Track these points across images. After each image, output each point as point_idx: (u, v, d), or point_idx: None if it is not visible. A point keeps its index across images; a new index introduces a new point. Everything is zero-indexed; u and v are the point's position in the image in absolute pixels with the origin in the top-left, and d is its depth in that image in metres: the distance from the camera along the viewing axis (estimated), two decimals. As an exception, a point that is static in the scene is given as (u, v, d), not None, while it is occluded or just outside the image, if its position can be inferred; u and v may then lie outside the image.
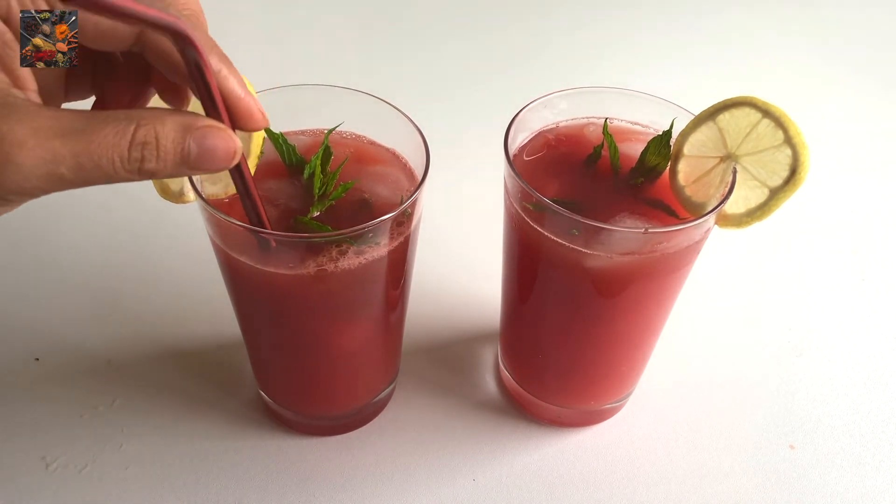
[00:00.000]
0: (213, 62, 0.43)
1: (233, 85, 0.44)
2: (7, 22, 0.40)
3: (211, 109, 0.43)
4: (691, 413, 0.74)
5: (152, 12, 0.37)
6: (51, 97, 0.44)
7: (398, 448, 0.70)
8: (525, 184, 0.56)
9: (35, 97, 0.41)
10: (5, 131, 0.36)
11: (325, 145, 0.59)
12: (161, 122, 0.40)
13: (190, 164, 0.41)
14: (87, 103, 0.48)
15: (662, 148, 0.60)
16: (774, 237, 0.94)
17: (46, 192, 0.38)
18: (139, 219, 0.90)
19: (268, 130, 0.59)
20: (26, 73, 0.40)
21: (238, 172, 0.48)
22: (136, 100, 0.48)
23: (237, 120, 0.45)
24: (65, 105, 0.45)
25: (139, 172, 0.40)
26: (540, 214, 0.58)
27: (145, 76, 0.48)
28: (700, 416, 0.74)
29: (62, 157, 0.37)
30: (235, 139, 0.43)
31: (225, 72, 0.44)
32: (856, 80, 1.26)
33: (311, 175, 0.58)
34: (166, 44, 0.43)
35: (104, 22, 0.42)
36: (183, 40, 0.40)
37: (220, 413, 0.71)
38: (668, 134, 0.61)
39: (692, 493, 0.68)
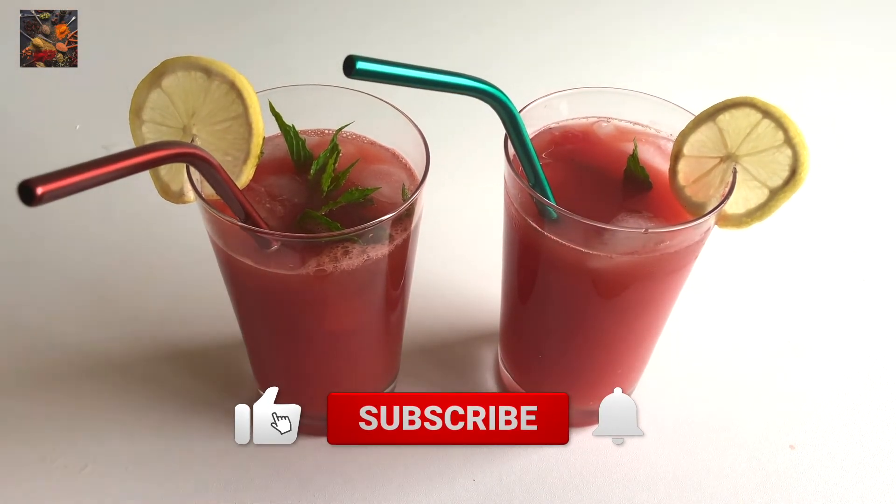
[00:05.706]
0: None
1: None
2: None
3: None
4: (691, 413, 0.74)
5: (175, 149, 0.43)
6: None
7: (398, 448, 0.70)
8: (525, 183, 0.56)
9: None
10: None
11: (334, 143, 0.59)
12: None
13: None
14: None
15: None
16: (774, 237, 0.94)
17: None
18: (139, 218, 0.90)
19: (280, 122, 0.59)
20: None
21: (220, 184, 0.49)
22: None
23: None
24: None
25: None
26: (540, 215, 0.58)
27: None
28: (700, 416, 0.74)
29: None
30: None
31: None
32: (856, 81, 1.26)
33: (319, 172, 0.58)
34: None
35: None
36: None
37: (220, 413, 0.71)
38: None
39: (692, 493, 0.68)
